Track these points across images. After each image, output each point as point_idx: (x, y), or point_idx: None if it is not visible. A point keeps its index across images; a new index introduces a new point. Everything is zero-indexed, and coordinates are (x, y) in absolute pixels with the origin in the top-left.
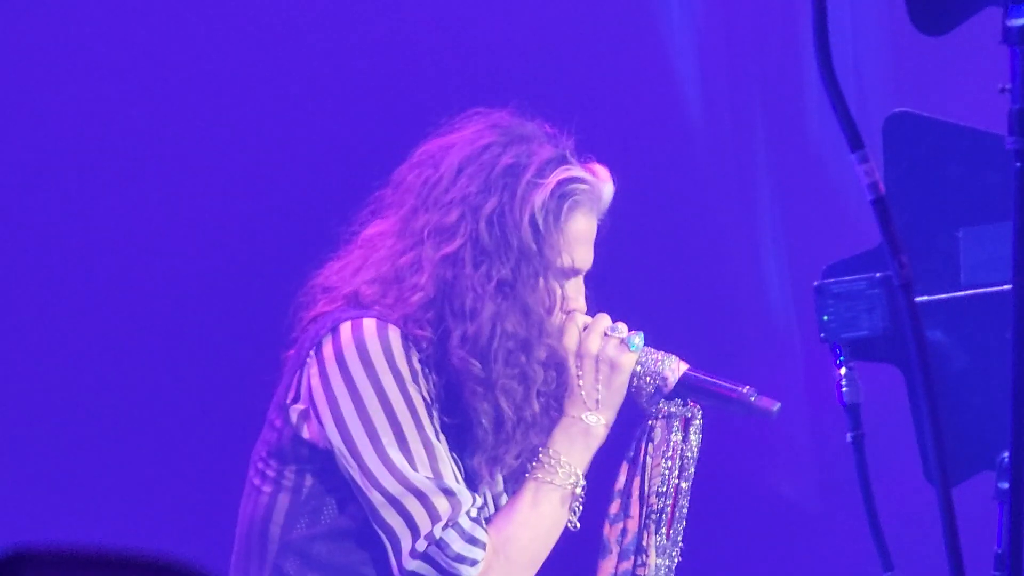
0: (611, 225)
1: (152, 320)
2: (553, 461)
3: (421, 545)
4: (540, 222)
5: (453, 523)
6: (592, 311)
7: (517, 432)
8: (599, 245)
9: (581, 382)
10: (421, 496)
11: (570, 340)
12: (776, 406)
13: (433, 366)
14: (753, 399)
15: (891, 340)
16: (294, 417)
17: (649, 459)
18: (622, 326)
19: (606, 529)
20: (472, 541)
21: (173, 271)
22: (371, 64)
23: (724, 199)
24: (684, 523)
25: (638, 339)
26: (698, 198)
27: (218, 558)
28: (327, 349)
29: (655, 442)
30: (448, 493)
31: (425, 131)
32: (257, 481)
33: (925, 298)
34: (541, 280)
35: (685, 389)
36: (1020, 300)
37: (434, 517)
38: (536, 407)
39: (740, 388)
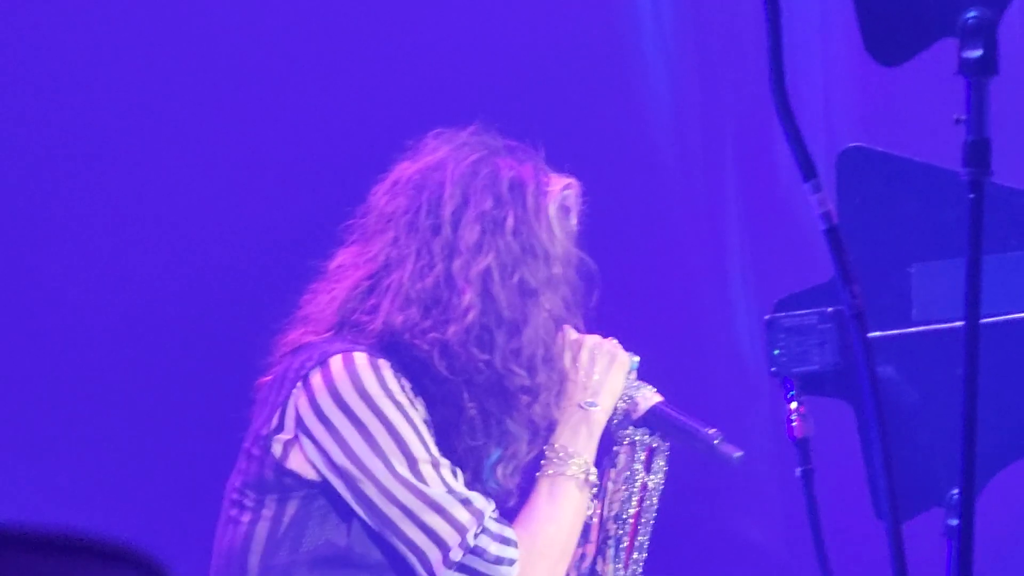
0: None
1: (135, 329)
2: (562, 454)
3: (456, 555)
4: (555, 228)
5: (482, 528)
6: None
7: (539, 438)
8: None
9: (580, 370)
10: (440, 509)
11: (568, 335)
12: (738, 454)
13: (471, 384)
14: (717, 442)
15: (841, 375)
16: (277, 448)
17: (611, 484)
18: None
19: None
20: (505, 541)
21: (155, 280)
22: (336, 90)
23: (691, 230)
24: (645, 555)
25: (634, 358)
26: (664, 229)
27: None
28: (316, 380)
29: (617, 468)
30: (465, 502)
31: (393, 154)
32: (234, 512)
33: (877, 333)
34: (560, 286)
35: (653, 419)
36: (971, 337)
37: (459, 528)
38: (555, 412)
39: (707, 429)
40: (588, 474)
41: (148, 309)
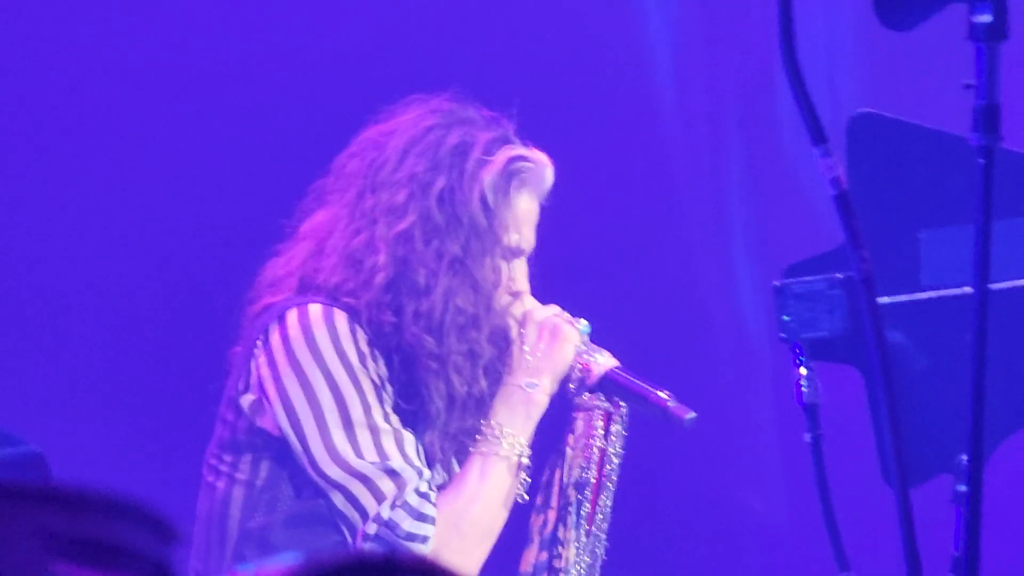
0: (581, 223)
1: (115, 310)
2: (496, 432)
3: (371, 528)
4: (490, 198)
5: (401, 502)
6: (560, 310)
7: (467, 408)
8: (572, 244)
9: (524, 348)
10: (365, 480)
11: (516, 310)
12: (690, 415)
13: (394, 349)
14: (670, 404)
15: (851, 341)
16: (246, 407)
17: (569, 450)
18: (568, 316)
19: (532, 519)
20: (421, 518)
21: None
22: (309, 56)
23: (695, 197)
24: (607, 520)
25: (583, 323)
26: (668, 196)
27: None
28: (274, 337)
29: (575, 434)
30: (392, 474)
31: (365, 121)
32: (211, 478)
33: (886, 299)
34: (489, 258)
35: (607, 384)
36: (980, 302)
37: (380, 499)
38: (483, 384)
39: (659, 392)
40: (521, 456)
41: (129, 289)
